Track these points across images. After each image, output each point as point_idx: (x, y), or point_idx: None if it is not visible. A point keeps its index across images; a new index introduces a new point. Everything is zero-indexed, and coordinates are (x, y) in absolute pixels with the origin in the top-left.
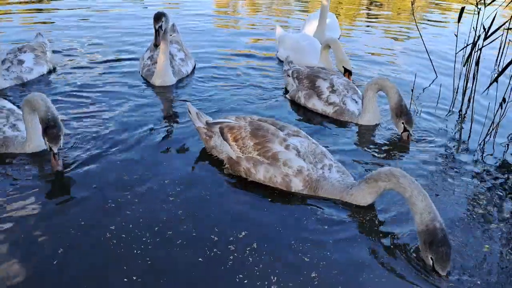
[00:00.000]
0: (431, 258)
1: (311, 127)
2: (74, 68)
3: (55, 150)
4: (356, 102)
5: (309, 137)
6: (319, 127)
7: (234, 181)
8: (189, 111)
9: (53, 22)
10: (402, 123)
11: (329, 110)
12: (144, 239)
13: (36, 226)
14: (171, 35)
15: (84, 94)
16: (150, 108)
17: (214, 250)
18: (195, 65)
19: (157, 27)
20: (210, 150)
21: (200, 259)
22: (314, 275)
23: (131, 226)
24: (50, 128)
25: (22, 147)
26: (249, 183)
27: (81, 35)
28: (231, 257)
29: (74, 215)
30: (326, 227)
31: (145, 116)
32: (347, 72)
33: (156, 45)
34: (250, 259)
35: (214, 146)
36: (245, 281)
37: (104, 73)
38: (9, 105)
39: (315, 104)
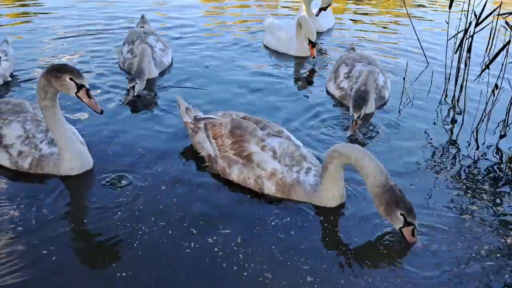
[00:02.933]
0: (401, 214)
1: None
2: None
3: (86, 83)
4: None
5: (291, 137)
6: None
7: (217, 179)
8: (178, 106)
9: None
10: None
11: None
12: (133, 235)
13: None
14: (142, 27)
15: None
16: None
17: (195, 244)
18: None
19: (129, 87)
20: (195, 146)
21: (183, 253)
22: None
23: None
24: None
25: (56, 169)
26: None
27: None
28: (212, 252)
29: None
30: (300, 226)
31: (133, 111)
32: (311, 44)
33: (123, 103)
34: (230, 254)
35: (198, 142)
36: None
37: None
38: None
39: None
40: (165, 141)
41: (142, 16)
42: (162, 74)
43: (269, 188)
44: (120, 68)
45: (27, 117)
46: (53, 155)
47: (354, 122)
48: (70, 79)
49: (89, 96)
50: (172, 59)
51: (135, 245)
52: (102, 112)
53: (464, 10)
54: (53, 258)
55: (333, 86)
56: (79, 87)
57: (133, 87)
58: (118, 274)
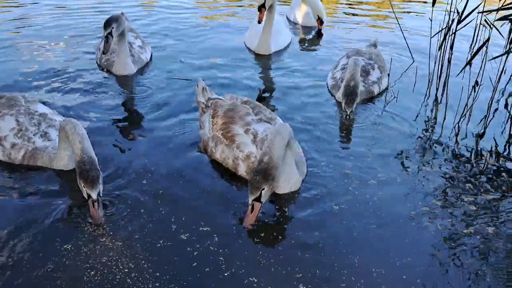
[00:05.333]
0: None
1: None
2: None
3: (94, 196)
4: None
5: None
6: None
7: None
8: (197, 85)
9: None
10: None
11: None
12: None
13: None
14: None
15: (55, 98)
16: (116, 98)
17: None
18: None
19: (105, 33)
20: (199, 124)
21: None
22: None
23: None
24: (85, 172)
25: (50, 163)
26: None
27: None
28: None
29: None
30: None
31: (114, 106)
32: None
33: (104, 53)
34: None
35: (203, 121)
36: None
37: (59, 70)
38: (41, 108)
39: None
40: (154, 142)
41: (122, 13)
42: (140, 71)
43: (242, 170)
44: (97, 64)
45: (20, 111)
46: (47, 148)
47: (347, 116)
48: (84, 186)
49: (93, 206)
50: (151, 56)
51: (125, 238)
52: (100, 223)
53: (446, 10)
54: (39, 253)
55: (329, 75)
56: (88, 195)
57: (111, 33)
58: (102, 268)
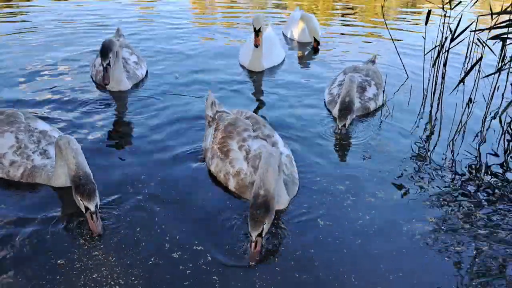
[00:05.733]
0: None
1: None
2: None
3: (93, 208)
4: None
5: (279, 143)
6: None
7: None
8: (206, 98)
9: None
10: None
11: None
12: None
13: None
14: (118, 40)
15: (49, 114)
16: (111, 114)
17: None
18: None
19: (105, 64)
20: (204, 137)
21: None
22: None
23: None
24: (82, 186)
25: (48, 181)
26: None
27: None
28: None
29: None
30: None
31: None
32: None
33: (106, 84)
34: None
35: (207, 134)
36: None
37: (54, 86)
38: (41, 125)
39: None
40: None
41: (118, 30)
42: (136, 86)
43: (232, 185)
44: (93, 80)
45: (21, 128)
46: (46, 166)
47: (340, 129)
48: (80, 200)
49: (92, 219)
50: (147, 72)
51: (117, 255)
52: (99, 235)
53: (440, 29)
54: (30, 268)
55: (326, 91)
56: (86, 208)
57: (109, 63)
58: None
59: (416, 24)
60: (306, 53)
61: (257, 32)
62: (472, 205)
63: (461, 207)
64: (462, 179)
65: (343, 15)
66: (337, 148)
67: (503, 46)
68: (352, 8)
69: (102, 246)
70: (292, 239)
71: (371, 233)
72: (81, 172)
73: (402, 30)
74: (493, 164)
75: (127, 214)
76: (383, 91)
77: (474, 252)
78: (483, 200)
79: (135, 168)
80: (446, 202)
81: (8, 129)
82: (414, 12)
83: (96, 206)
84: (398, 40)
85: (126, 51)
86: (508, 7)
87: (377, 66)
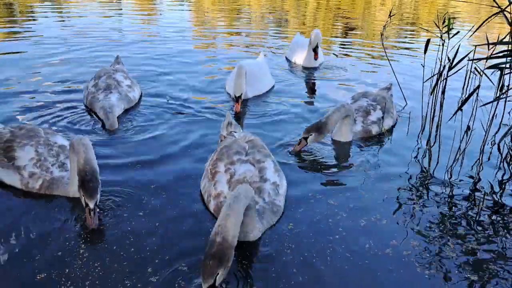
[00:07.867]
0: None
1: None
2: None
3: (92, 205)
4: None
5: (267, 170)
6: None
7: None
8: (224, 119)
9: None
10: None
11: None
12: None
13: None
14: (114, 67)
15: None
16: (102, 137)
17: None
18: (141, 92)
19: (92, 206)
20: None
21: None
22: None
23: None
24: (86, 182)
25: (65, 191)
26: None
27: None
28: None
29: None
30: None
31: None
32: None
33: (93, 228)
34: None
35: (213, 154)
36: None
37: (48, 107)
38: (60, 140)
39: None
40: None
41: (117, 57)
42: (129, 109)
43: (211, 207)
44: (84, 104)
45: (40, 141)
46: (63, 178)
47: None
48: (83, 195)
49: (90, 214)
50: (141, 95)
51: (100, 273)
52: (94, 227)
53: (438, 58)
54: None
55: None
56: (86, 204)
57: (96, 203)
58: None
59: (414, 50)
60: (306, 77)
61: (237, 99)
62: (470, 233)
63: (459, 235)
64: (461, 206)
65: (343, 38)
66: (335, 170)
67: (501, 75)
68: (351, 34)
69: (85, 259)
70: (283, 260)
71: (368, 258)
72: (88, 167)
73: (401, 55)
74: (491, 190)
75: (121, 231)
76: (393, 118)
77: (475, 278)
78: (481, 228)
79: (130, 188)
80: (445, 229)
81: (28, 142)
82: (413, 40)
83: (95, 203)
84: (396, 61)
85: (121, 75)
86: (504, 38)
87: (391, 94)
